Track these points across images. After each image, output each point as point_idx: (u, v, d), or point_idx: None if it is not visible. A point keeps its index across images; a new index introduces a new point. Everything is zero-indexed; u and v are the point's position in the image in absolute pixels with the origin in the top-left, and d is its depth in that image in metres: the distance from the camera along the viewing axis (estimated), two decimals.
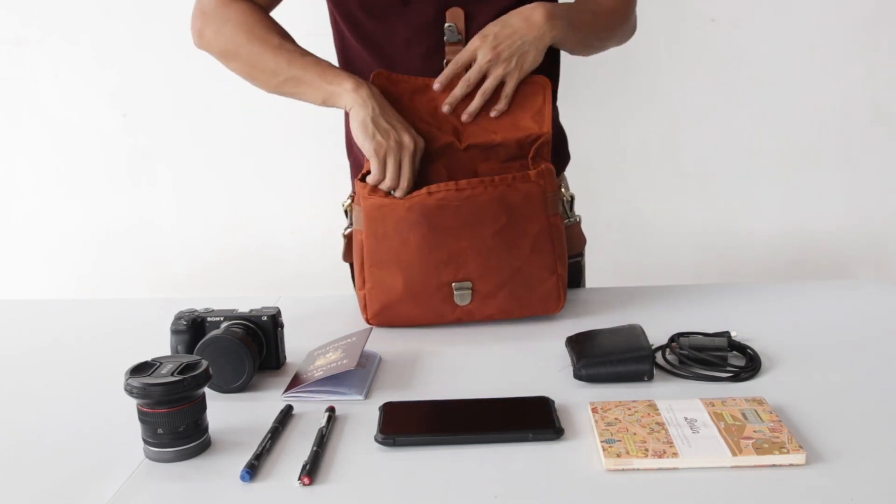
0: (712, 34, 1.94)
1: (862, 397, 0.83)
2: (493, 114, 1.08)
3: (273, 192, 2.06)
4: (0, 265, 2.13)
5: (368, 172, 1.08)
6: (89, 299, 1.32)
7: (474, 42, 1.06)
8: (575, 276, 1.23)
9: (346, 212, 1.14)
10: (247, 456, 0.72)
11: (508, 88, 1.07)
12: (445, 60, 1.10)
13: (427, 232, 1.01)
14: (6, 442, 0.80)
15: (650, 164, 2.05)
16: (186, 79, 1.98)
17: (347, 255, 1.14)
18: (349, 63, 1.20)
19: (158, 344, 0.93)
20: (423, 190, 1.01)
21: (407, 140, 1.03)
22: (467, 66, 1.07)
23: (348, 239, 1.13)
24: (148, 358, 0.77)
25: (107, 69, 1.98)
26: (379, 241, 1.04)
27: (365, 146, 1.04)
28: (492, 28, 1.06)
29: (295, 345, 0.98)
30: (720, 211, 2.07)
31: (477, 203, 1.01)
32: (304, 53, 1.12)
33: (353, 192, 1.09)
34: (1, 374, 0.99)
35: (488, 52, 1.05)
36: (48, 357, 1.03)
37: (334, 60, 1.23)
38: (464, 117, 1.08)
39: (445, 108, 1.08)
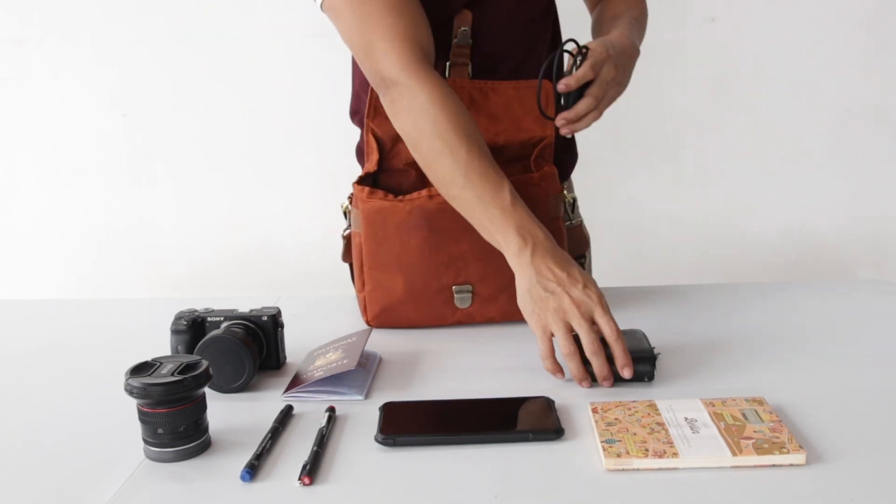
0: (712, 34, 1.95)
1: (862, 397, 0.83)
2: (580, 126, 1.02)
3: (273, 192, 2.06)
4: (0, 265, 2.14)
5: (367, 175, 1.07)
6: (89, 299, 1.32)
7: (600, 53, 0.99)
8: None
9: (344, 213, 1.14)
10: (247, 456, 0.72)
11: (605, 107, 1.03)
12: (448, 63, 1.10)
13: (428, 234, 1.01)
14: (6, 442, 0.80)
15: (650, 165, 2.05)
16: (186, 79, 1.98)
17: (346, 255, 1.14)
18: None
19: (158, 344, 0.93)
20: (424, 192, 1.01)
21: (567, 304, 0.86)
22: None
23: (347, 240, 1.13)
24: (148, 358, 0.77)
25: (107, 69, 1.98)
26: (379, 243, 1.03)
27: (528, 321, 0.91)
28: (607, 47, 1.01)
29: (295, 345, 0.98)
30: (720, 211, 2.07)
31: None
32: (486, 176, 0.93)
33: (352, 193, 1.09)
34: (1, 374, 0.99)
35: (612, 70, 1.01)
36: (48, 357, 1.03)
37: (346, 58, 1.23)
38: (565, 131, 1.02)
39: (565, 131, 1.01)
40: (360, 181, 1.06)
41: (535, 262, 0.89)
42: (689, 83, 1.98)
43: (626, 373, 0.85)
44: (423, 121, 0.94)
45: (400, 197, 1.02)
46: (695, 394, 0.82)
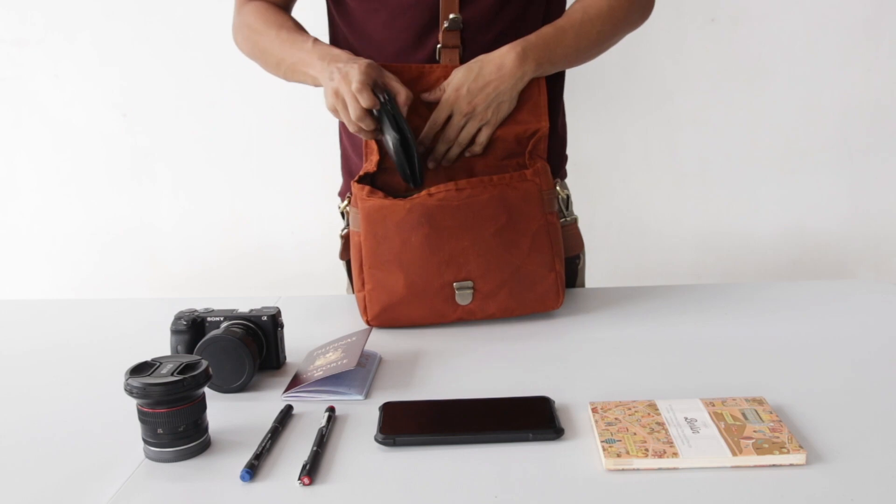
0: (712, 34, 1.95)
1: (862, 397, 0.83)
2: (467, 154, 1.09)
3: (273, 192, 2.06)
4: (1, 266, 2.14)
5: (365, 175, 1.07)
6: (90, 299, 1.32)
7: (449, 97, 1.05)
8: (571, 279, 1.23)
9: (342, 213, 1.14)
10: (247, 456, 0.72)
11: (483, 137, 1.08)
12: (439, 46, 1.09)
13: (429, 232, 1.01)
14: (6, 442, 0.80)
15: (650, 165, 2.05)
16: (187, 79, 1.98)
17: (344, 253, 1.14)
18: (336, 45, 1.21)
19: (158, 344, 0.93)
20: (423, 191, 1.02)
21: (353, 72, 1.00)
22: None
23: (345, 239, 1.13)
24: (148, 358, 0.77)
25: (107, 68, 1.98)
26: (379, 242, 1.03)
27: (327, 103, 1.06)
28: (465, 80, 1.05)
29: (295, 345, 0.98)
30: (720, 211, 2.07)
31: (477, 202, 1.01)
32: (295, 39, 1.12)
33: (350, 193, 1.09)
34: (1, 374, 0.99)
35: (464, 107, 1.05)
36: (48, 357, 1.03)
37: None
38: (430, 165, 1.09)
39: (431, 165, 1.09)
40: (360, 180, 1.06)
41: (330, 68, 1.04)
42: (689, 83, 1.98)
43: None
44: (247, 27, 1.18)
45: (399, 197, 1.02)
46: (695, 393, 0.82)
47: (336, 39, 1.21)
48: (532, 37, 1.07)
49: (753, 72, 1.96)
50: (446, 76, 1.07)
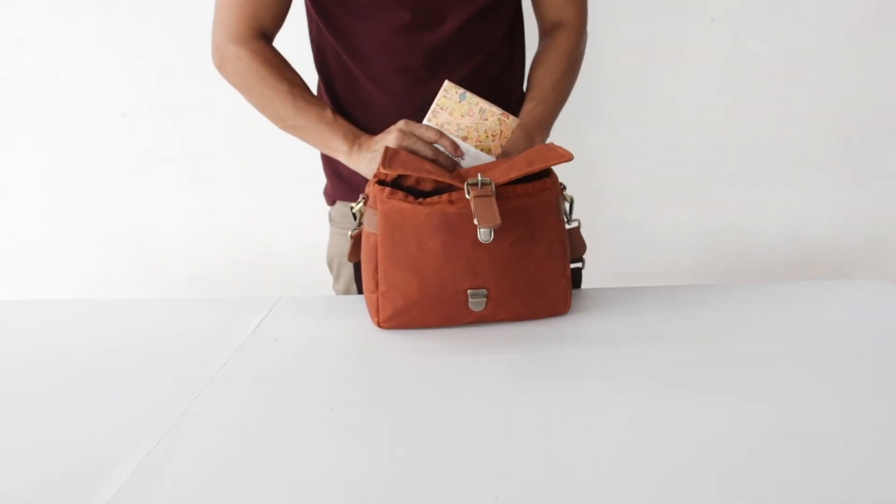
0: (712, 34, 1.95)
1: (862, 397, 0.83)
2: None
3: (273, 193, 2.06)
4: (1, 266, 2.14)
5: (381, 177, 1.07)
6: (89, 300, 1.32)
7: None
8: (576, 284, 1.23)
9: (354, 215, 1.13)
10: (250, 453, 0.72)
11: None
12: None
13: (446, 238, 1.01)
14: (5, 442, 0.80)
15: (650, 165, 2.05)
16: (187, 80, 1.98)
17: (353, 255, 1.14)
18: (322, 56, 1.25)
19: (158, 344, 0.93)
20: (445, 197, 1.01)
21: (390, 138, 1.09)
22: None
23: (355, 240, 1.12)
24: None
25: (107, 69, 1.99)
26: (396, 245, 1.02)
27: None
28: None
29: (294, 346, 0.98)
30: (720, 211, 2.08)
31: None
32: (309, 103, 1.19)
33: (365, 194, 1.08)
34: (1, 373, 0.99)
35: None
36: (47, 357, 1.03)
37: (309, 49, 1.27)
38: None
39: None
40: (380, 182, 1.05)
41: (363, 152, 1.14)
42: (688, 83, 1.98)
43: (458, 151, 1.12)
44: (250, 76, 1.20)
45: (420, 200, 1.01)
46: (695, 394, 0.82)
47: (323, 51, 1.23)
48: (524, 118, 1.17)
49: (753, 72, 1.97)
50: None
